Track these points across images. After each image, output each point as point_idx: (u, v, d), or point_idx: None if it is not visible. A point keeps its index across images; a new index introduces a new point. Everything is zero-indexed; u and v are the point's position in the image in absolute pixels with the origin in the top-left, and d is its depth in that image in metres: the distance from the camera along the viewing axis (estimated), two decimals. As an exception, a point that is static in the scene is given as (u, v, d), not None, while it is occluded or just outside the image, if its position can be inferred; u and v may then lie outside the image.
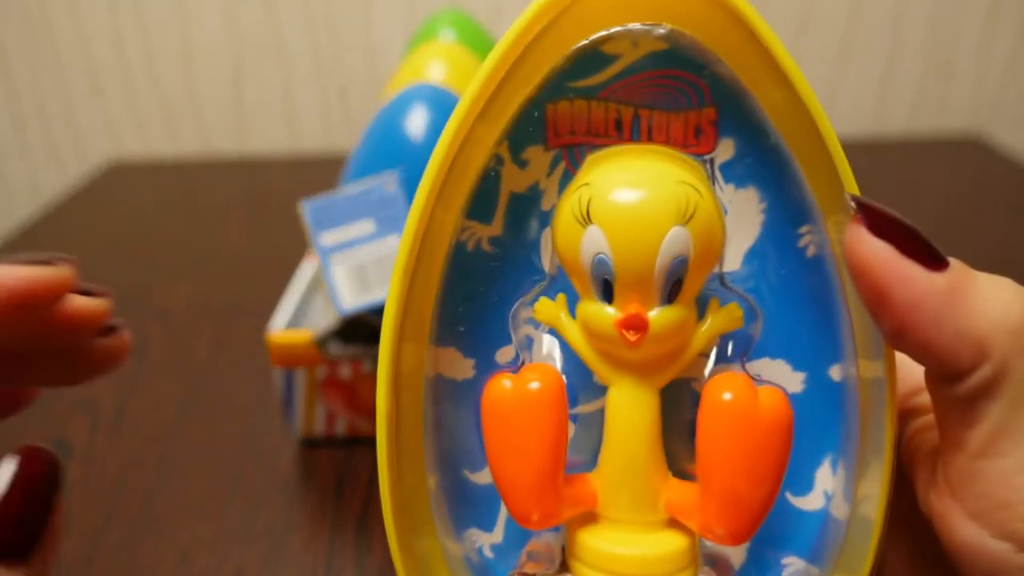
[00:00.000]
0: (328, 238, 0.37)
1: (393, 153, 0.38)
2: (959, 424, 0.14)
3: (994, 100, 0.85)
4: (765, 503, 0.14)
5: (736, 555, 0.18)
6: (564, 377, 0.15)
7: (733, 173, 0.16)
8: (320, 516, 0.37)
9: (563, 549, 0.16)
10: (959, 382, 0.14)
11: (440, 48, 0.52)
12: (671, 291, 0.15)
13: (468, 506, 0.18)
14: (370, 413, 0.40)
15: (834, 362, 0.17)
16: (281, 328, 0.39)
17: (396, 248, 0.36)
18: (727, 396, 0.14)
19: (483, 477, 0.18)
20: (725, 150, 0.16)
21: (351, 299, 0.36)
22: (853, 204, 0.14)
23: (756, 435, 0.14)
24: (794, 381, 0.17)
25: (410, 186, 0.37)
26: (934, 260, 0.14)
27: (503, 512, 0.18)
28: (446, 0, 0.82)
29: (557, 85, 0.16)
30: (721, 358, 0.17)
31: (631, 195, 0.14)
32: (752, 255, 0.17)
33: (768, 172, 0.16)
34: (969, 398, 0.14)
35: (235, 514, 0.37)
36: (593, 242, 0.14)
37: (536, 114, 0.16)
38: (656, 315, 0.15)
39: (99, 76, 0.86)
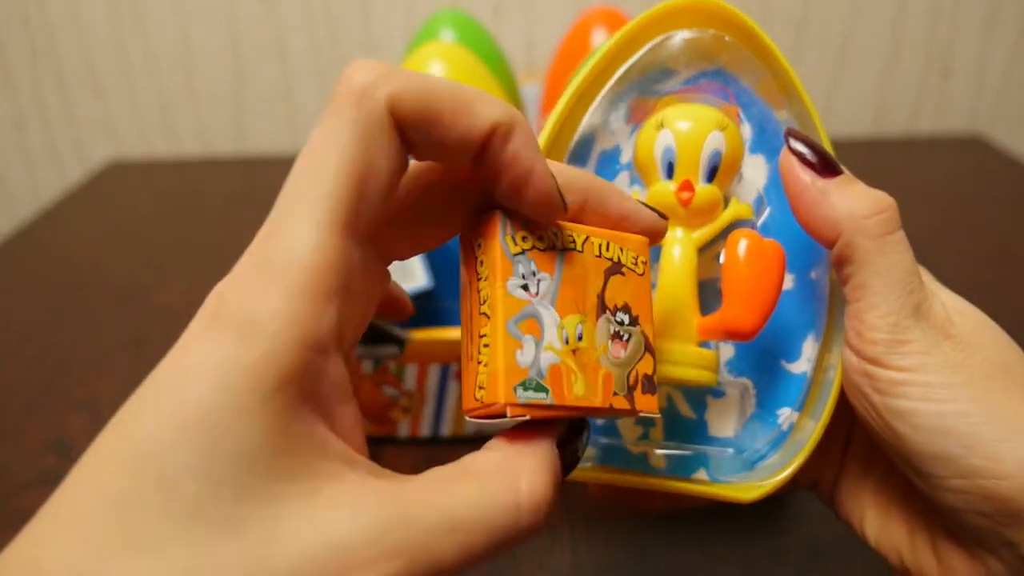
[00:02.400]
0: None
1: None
2: (840, 284, 0.22)
3: (994, 101, 0.85)
4: (770, 304, 0.21)
5: (748, 408, 0.24)
6: None
7: (749, 144, 0.25)
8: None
9: None
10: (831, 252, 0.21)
11: (440, 48, 0.52)
12: (710, 175, 0.23)
13: None
14: (370, 413, 0.40)
15: (813, 267, 0.24)
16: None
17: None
18: (744, 235, 0.22)
19: None
20: (745, 131, 0.25)
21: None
22: (786, 133, 0.22)
23: (764, 256, 0.21)
24: (788, 280, 0.24)
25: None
26: (827, 170, 0.21)
27: None
28: (446, 0, 0.82)
29: (640, 87, 0.24)
30: None
31: (689, 111, 0.23)
32: (768, 190, 0.24)
33: (770, 146, 0.25)
34: (836, 263, 0.21)
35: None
36: (664, 139, 0.23)
37: (625, 102, 0.25)
38: (700, 187, 0.23)
39: (99, 76, 0.86)
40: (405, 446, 0.41)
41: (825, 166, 0.21)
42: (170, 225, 0.71)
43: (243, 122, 0.88)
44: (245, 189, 0.79)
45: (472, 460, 0.17)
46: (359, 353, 0.38)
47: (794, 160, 0.21)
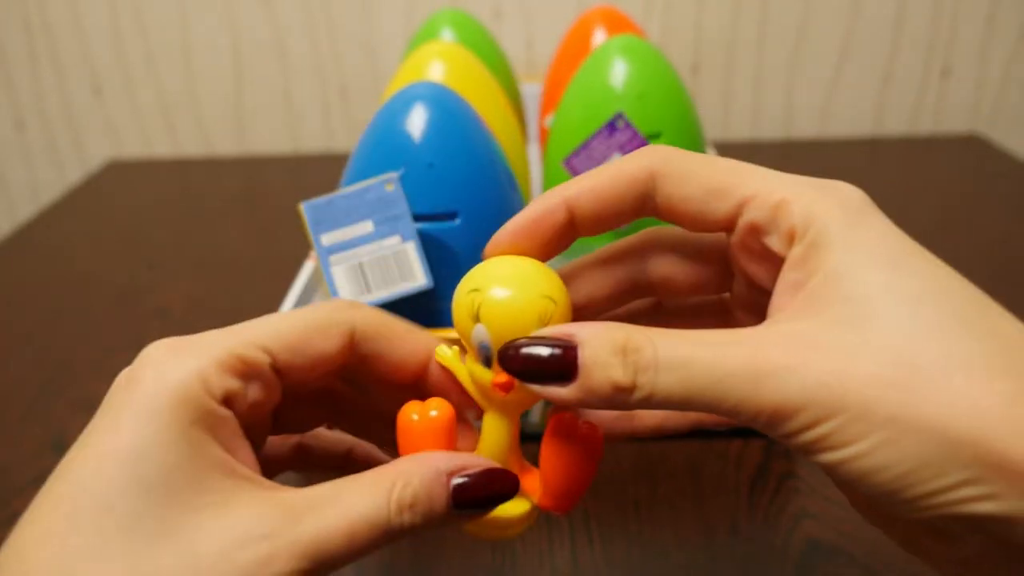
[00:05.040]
0: (327, 238, 0.37)
1: (393, 153, 0.38)
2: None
3: (994, 101, 0.85)
4: (583, 489, 0.22)
5: None
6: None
7: None
8: (320, 516, 0.37)
9: None
10: None
11: (440, 48, 0.52)
12: None
13: None
14: (370, 413, 0.40)
15: None
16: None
17: (395, 248, 0.36)
18: (564, 422, 0.22)
19: None
20: None
21: (350, 299, 0.36)
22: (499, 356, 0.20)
23: (581, 445, 0.22)
24: None
25: (410, 186, 0.37)
26: (556, 377, 0.19)
27: None
28: (446, 0, 0.82)
29: None
30: None
31: (506, 306, 0.20)
32: None
33: None
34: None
35: (235, 514, 0.37)
36: (480, 333, 0.21)
37: None
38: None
39: (99, 76, 0.86)
40: (405, 446, 0.41)
41: (552, 373, 0.19)
42: (170, 225, 0.71)
43: (243, 122, 0.88)
44: (245, 189, 0.79)
45: (359, 474, 0.20)
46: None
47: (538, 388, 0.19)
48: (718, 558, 0.34)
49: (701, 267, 0.22)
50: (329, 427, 0.25)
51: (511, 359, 0.19)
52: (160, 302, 0.57)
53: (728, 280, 0.22)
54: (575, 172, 0.46)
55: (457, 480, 0.20)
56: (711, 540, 0.35)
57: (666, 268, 0.22)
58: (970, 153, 0.80)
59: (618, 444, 0.40)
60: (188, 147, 0.90)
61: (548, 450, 0.22)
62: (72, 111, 0.88)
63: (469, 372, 0.22)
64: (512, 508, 0.23)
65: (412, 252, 0.37)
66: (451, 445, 0.22)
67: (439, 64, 0.50)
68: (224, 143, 0.89)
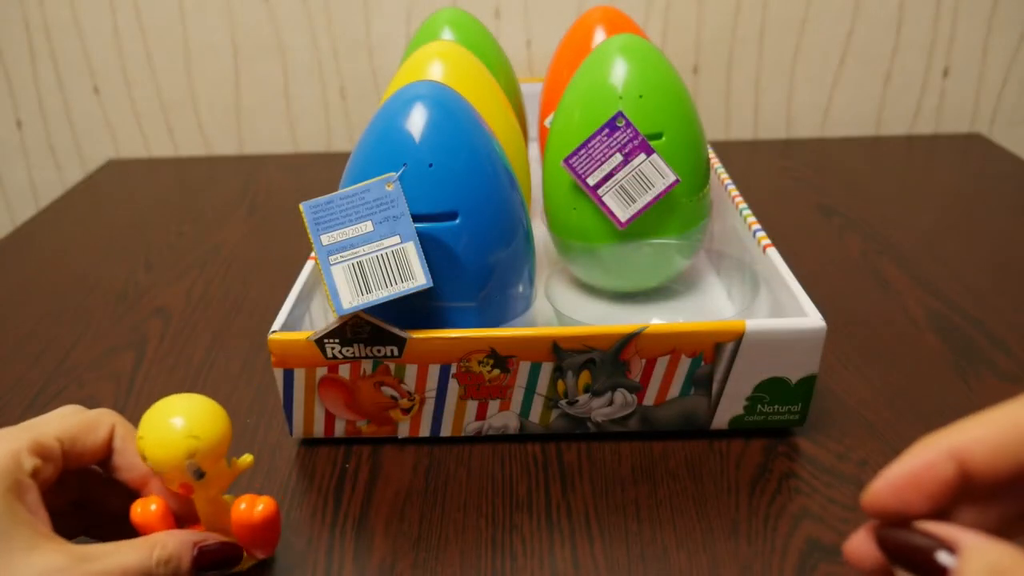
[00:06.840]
0: (327, 238, 0.37)
1: (393, 153, 0.38)
2: None
3: (994, 101, 0.85)
4: (275, 542, 0.33)
5: None
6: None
7: None
8: (319, 516, 0.37)
9: None
10: None
11: (440, 48, 0.52)
12: (199, 475, 0.30)
13: None
14: (370, 413, 0.40)
15: None
16: (281, 328, 0.39)
17: (395, 248, 0.36)
18: (241, 506, 0.31)
19: None
20: None
21: (350, 299, 0.36)
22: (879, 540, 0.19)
23: (259, 522, 0.31)
24: None
25: (410, 186, 0.37)
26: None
27: None
28: (446, 0, 0.82)
29: None
30: None
31: (158, 449, 0.29)
32: None
33: None
34: None
35: (234, 514, 0.37)
36: (154, 467, 0.29)
37: None
38: (196, 483, 0.30)
39: (98, 76, 0.86)
40: (405, 446, 0.41)
41: (921, 567, 0.18)
42: (169, 225, 0.71)
43: (242, 122, 0.88)
44: (245, 189, 0.79)
45: (130, 540, 0.29)
46: (358, 354, 0.38)
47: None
48: (718, 558, 0.34)
49: None
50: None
51: (888, 539, 0.19)
52: (160, 302, 0.57)
53: None
54: (575, 172, 0.46)
55: (196, 549, 0.30)
56: (711, 540, 0.35)
57: None
58: (971, 153, 0.80)
59: (618, 443, 0.40)
60: (187, 147, 0.90)
61: (237, 526, 0.31)
62: (71, 111, 0.88)
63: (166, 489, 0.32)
64: None
65: (412, 252, 0.37)
66: (170, 526, 0.31)
67: (439, 64, 0.50)
68: (224, 143, 0.89)
